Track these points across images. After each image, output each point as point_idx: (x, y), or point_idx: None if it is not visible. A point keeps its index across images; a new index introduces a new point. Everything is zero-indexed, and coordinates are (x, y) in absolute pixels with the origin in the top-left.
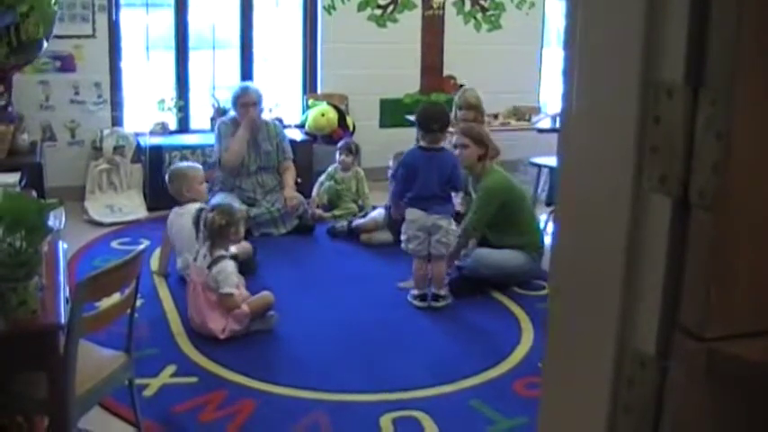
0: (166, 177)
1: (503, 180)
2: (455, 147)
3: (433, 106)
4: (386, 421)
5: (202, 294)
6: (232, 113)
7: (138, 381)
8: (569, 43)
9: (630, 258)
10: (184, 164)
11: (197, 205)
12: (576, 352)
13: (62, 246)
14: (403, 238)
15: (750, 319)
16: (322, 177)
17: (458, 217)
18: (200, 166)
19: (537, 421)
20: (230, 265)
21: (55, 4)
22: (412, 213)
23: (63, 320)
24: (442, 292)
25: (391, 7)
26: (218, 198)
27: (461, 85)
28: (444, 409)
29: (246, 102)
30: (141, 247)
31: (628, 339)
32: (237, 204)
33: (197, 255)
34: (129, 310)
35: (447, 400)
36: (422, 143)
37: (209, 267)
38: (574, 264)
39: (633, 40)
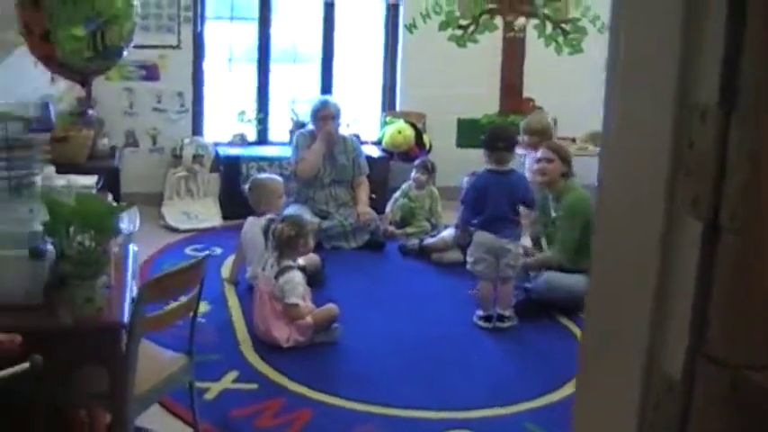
0: (246, 186)
1: (585, 197)
2: (538, 161)
3: (500, 126)
4: None
5: (269, 303)
6: (311, 126)
7: (200, 384)
8: (611, 67)
9: (661, 281)
10: (266, 175)
11: (269, 215)
12: (606, 373)
13: (132, 248)
14: (469, 259)
15: None
16: (396, 194)
17: None
18: (281, 180)
19: None
20: (297, 276)
21: (136, 15)
22: (481, 236)
23: (126, 319)
24: (508, 313)
25: (472, 28)
26: (291, 209)
27: (540, 108)
28: (499, 430)
29: (325, 115)
30: (206, 253)
31: (656, 362)
32: (308, 216)
33: (266, 264)
34: (191, 314)
35: (503, 422)
36: (490, 165)
37: (277, 277)
38: (607, 285)
39: (669, 64)
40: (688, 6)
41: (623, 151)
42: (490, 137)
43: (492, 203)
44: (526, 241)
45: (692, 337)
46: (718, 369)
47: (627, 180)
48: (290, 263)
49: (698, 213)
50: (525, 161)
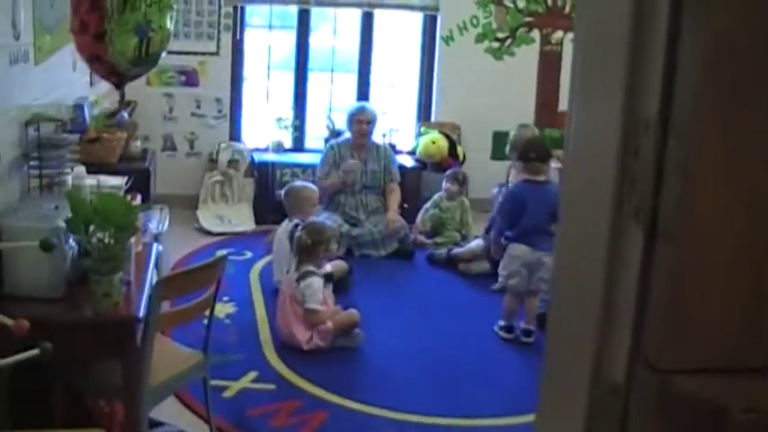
0: (282, 192)
1: None
2: (561, 172)
3: (534, 138)
4: None
5: (290, 305)
6: (347, 135)
7: (220, 382)
8: (572, 80)
9: (607, 288)
10: (301, 183)
11: (295, 220)
12: (561, 380)
13: (157, 247)
14: (503, 273)
15: (706, 355)
16: (427, 204)
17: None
18: (314, 188)
19: None
20: (317, 282)
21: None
22: (517, 249)
23: (141, 314)
24: (532, 327)
25: (509, 41)
26: (322, 216)
27: (527, 124)
28: None
29: (361, 119)
30: (224, 252)
31: (602, 368)
32: (334, 224)
33: (289, 267)
34: (207, 312)
35: (516, 431)
36: (524, 175)
37: (298, 281)
38: (564, 294)
39: (618, 76)
40: (634, 20)
41: (579, 161)
42: (524, 148)
43: (529, 214)
44: None
45: (633, 343)
46: (651, 374)
47: (581, 189)
48: (312, 268)
49: (639, 221)
50: (511, 174)
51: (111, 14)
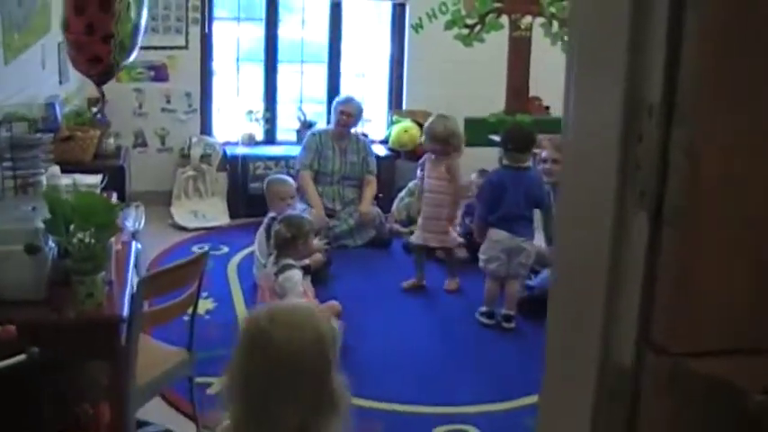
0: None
1: None
2: (544, 161)
3: (515, 127)
4: None
5: (270, 299)
6: (321, 125)
7: (205, 379)
8: (569, 64)
9: (613, 272)
10: (278, 176)
11: (271, 214)
12: (566, 364)
13: (136, 245)
14: (483, 257)
15: (716, 337)
16: (402, 193)
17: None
18: (291, 182)
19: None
20: (297, 275)
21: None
22: (496, 234)
23: (125, 313)
24: (513, 312)
25: (478, 27)
26: (298, 209)
27: (547, 107)
28: (499, 425)
29: (344, 110)
30: (204, 249)
31: (609, 352)
32: (309, 217)
33: (267, 261)
34: (190, 310)
35: (503, 417)
36: (505, 161)
37: (277, 275)
38: (567, 279)
39: (620, 62)
40: (635, 3)
41: (580, 146)
42: (504, 138)
43: (508, 200)
44: (539, 240)
45: (640, 327)
46: (661, 357)
47: (583, 174)
48: (291, 261)
49: (645, 206)
50: (426, 165)
51: (119, 17)
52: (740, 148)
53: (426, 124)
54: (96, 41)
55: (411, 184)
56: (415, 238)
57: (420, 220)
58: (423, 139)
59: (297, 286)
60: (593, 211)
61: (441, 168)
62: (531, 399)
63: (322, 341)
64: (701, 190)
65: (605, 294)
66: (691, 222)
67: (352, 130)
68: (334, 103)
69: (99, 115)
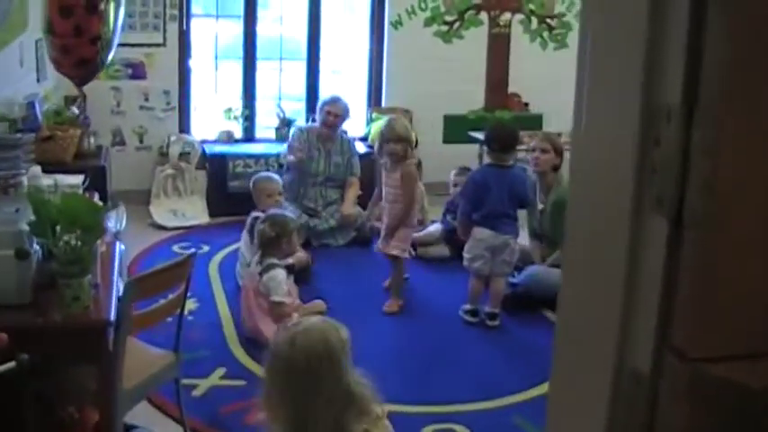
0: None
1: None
2: (533, 150)
3: (499, 125)
4: None
5: (254, 299)
6: (300, 123)
7: (189, 381)
8: (580, 65)
9: (629, 278)
10: (264, 174)
11: (254, 213)
12: (577, 368)
13: (119, 246)
14: (467, 256)
15: (738, 341)
16: None
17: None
18: (278, 179)
19: None
20: (281, 274)
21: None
22: (481, 233)
23: (113, 317)
24: (497, 310)
25: (458, 24)
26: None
27: (526, 104)
28: (487, 424)
29: (331, 110)
30: (192, 250)
31: (626, 357)
32: (292, 215)
33: (251, 261)
34: (177, 312)
35: (490, 416)
36: (490, 160)
37: (261, 274)
38: (579, 282)
39: (636, 65)
40: (652, 5)
41: (592, 149)
42: (492, 136)
43: (493, 198)
44: (523, 238)
45: (659, 332)
46: (680, 362)
47: (596, 177)
48: (275, 261)
49: (663, 210)
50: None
51: (107, 18)
52: (764, 150)
53: (383, 125)
54: (84, 44)
55: None
56: (380, 246)
57: (383, 231)
58: (376, 144)
59: (281, 286)
60: (608, 216)
61: (396, 175)
62: (518, 397)
63: (334, 355)
64: (723, 194)
65: (622, 300)
66: (712, 226)
67: (338, 131)
68: (320, 102)
69: (82, 116)
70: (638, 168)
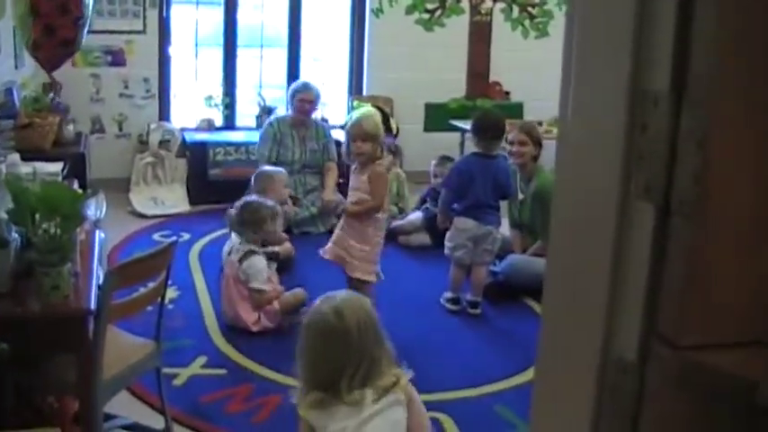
0: (252, 178)
1: (552, 180)
2: (511, 143)
3: (488, 113)
4: None
5: (234, 287)
6: (281, 112)
7: (170, 370)
8: (567, 52)
9: (616, 265)
10: (272, 168)
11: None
12: (563, 356)
13: (99, 235)
14: (449, 245)
15: (727, 330)
16: None
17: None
18: (282, 173)
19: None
20: (260, 261)
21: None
22: (463, 223)
23: (93, 306)
24: (479, 299)
25: (439, 12)
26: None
27: (507, 93)
28: (468, 412)
29: (304, 98)
30: (173, 239)
31: (612, 345)
32: (270, 203)
33: (231, 248)
34: (158, 300)
35: (471, 404)
36: (476, 149)
37: (240, 261)
38: (565, 270)
39: (623, 49)
40: None
41: (579, 135)
42: (480, 126)
43: (477, 188)
44: (504, 227)
45: (646, 320)
46: (669, 350)
47: (583, 164)
48: (253, 247)
49: (650, 198)
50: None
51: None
52: (754, 137)
53: (350, 122)
54: (68, 23)
55: None
56: (326, 251)
57: (335, 233)
58: (343, 145)
59: (260, 273)
60: (595, 203)
61: (364, 177)
62: (500, 384)
63: (376, 320)
64: (712, 180)
65: (608, 288)
66: (700, 213)
67: (312, 116)
68: (291, 90)
69: (55, 103)
70: (626, 155)
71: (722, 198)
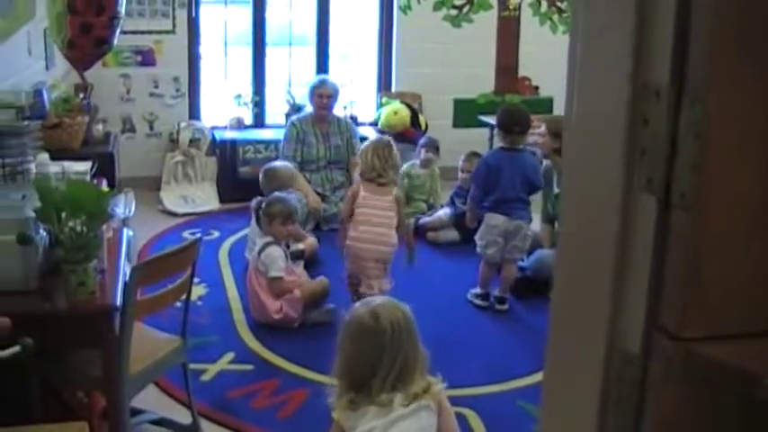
0: (262, 173)
1: None
2: (541, 135)
3: (514, 108)
4: None
5: (256, 279)
6: (308, 110)
7: (197, 366)
8: (572, 47)
9: (619, 259)
10: (280, 163)
11: (259, 198)
12: (570, 349)
13: (127, 232)
14: (480, 242)
15: (729, 321)
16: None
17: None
18: (289, 167)
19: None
20: (276, 251)
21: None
22: (494, 219)
23: (119, 302)
24: (507, 295)
25: (467, 7)
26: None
27: (536, 87)
28: (492, 407)
29: (322, 93)
30: (198, 235)
31: (617, 337)
32: (293, 199)
33: (254, 244)
34: (184, 297)
35: (496, 399)
36: (503, 144)
37: (259, 253)
38: (571, 264)
39: (624, 43)
40: None
41: (584, 129)
42: (506, 120)
43: (505, 182)
44: (535, 223)
45: (649, 312)
46: (671, 342)
47: (588, 158)
48: (270, 239)
49: (652, 190)
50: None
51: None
52: (753, 129)
53: (366, 150)
54: (104, 23)
55: (406, 166)
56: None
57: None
58: (359, 168)
59: (276, 261)
60: (599, 195)
61: (389, 198)
62: (526, 380)
63: (412, 325)
64: (711, 173)
65: (612, 279)
66: (701, 205)
67: (334, 112)
68: (309, 87)
69: (85, 102)
70: (628, 148)
71: (722, 190)
